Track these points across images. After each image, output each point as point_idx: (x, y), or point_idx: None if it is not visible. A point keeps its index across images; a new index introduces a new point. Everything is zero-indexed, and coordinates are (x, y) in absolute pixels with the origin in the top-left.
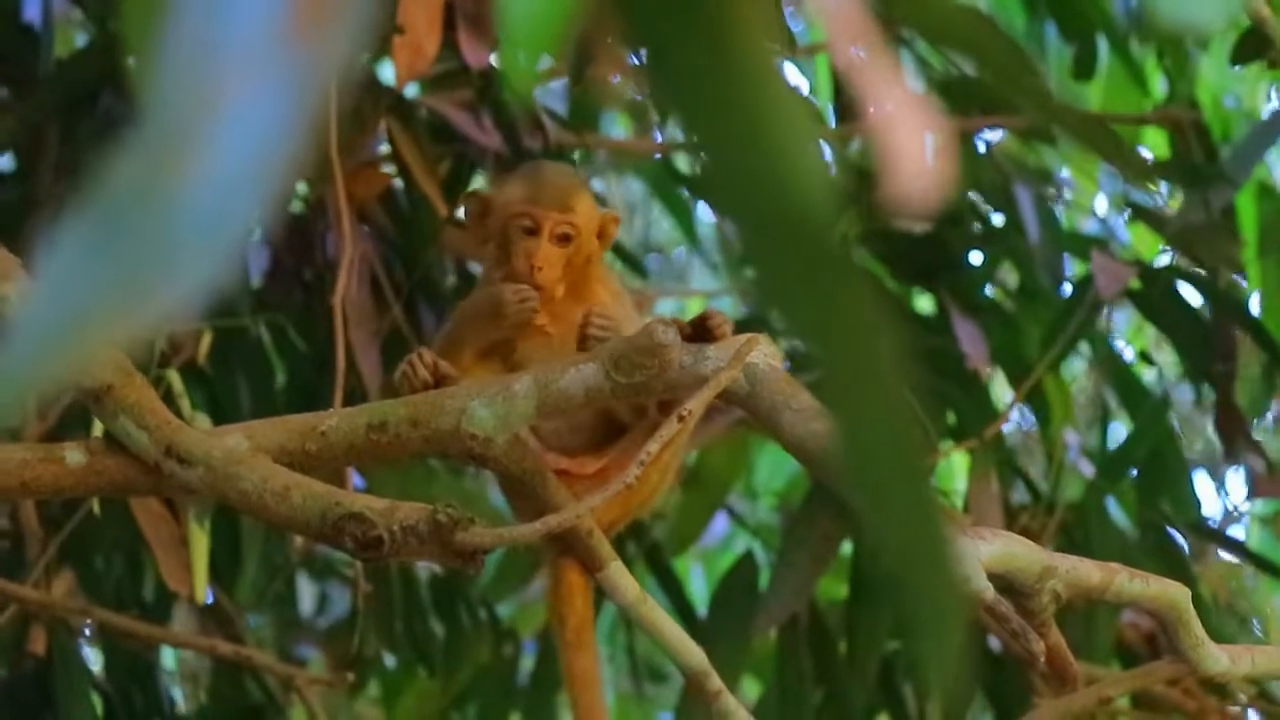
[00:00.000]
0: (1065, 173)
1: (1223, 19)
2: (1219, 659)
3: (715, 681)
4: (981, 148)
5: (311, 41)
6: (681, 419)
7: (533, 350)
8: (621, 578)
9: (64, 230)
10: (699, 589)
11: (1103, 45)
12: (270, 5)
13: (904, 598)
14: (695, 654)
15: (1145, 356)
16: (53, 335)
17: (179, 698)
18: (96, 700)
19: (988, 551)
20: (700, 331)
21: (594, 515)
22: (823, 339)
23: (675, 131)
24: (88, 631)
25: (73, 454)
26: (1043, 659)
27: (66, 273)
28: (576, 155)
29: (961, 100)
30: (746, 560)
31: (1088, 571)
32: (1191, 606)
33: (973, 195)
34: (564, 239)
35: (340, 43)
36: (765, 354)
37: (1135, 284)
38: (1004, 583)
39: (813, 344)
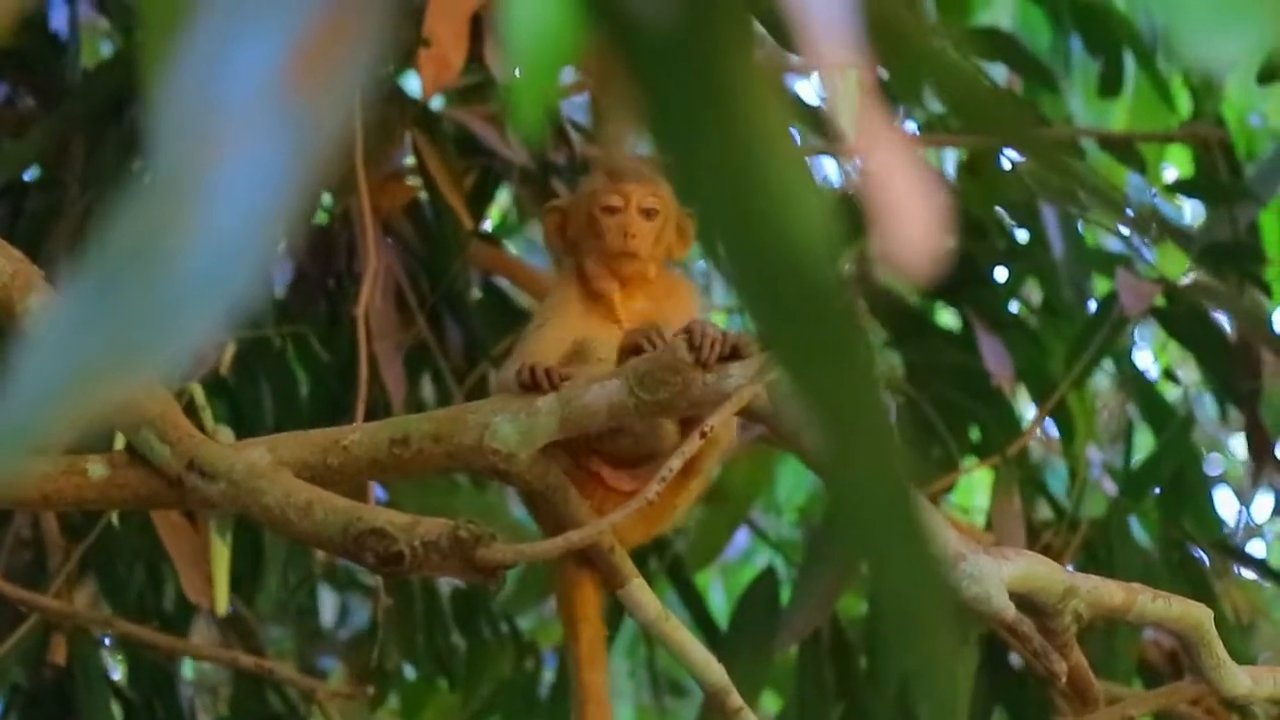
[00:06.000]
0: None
1: (1243, 54)
2: (1241, 680)
3: (735, 699)
4: (1006, 164)
5: (310, 94)
6: (704, 435)
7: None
8: (643, 595)
9: (65, 290)
10: (719, 603)
11: (1129, 62)
12: (269, 59)
13: (899, 649)
14: (716, 671)
15: (1169, 374)
16: (49, 394)
17: (199, 708)
18: (117, 710)
19: (1010, 571)
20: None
21: (616, 532)
22: (821, 399)
23: None
24: (109, 641)
25: (95, 467)
26: (1064, 679)
27: (63, 332)
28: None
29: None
30: (768, 575)
31: (1110, 592)
32: (1214, 627)
33: (998, 211)
34: (650, 213)
35: (340, 94)
36: None
37: (1160, 301)
38: (1026, 602)
39: (811, 402)
